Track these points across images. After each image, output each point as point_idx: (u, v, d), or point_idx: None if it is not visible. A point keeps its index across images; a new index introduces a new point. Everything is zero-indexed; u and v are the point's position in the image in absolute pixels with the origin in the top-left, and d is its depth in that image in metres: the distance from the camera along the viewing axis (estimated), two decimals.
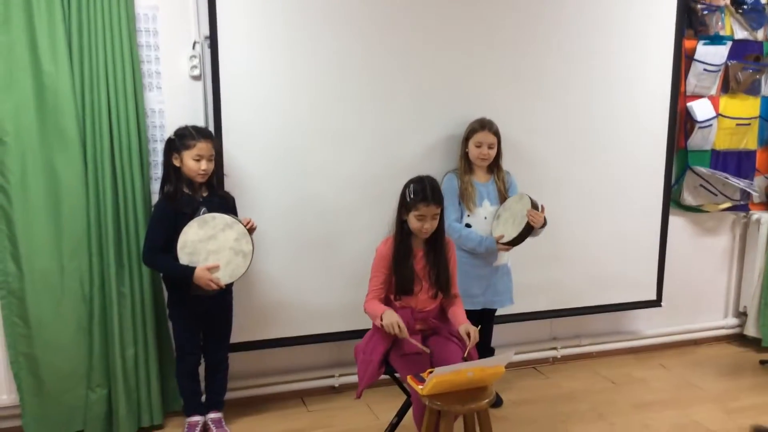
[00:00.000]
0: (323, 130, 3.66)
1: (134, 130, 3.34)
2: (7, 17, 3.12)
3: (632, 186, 4.33)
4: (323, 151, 3.67)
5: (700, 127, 4.43)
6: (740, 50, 4.51)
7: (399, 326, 2.90)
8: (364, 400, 3.54)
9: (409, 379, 2.83)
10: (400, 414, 3.30)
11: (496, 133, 3.64)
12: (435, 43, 3.78)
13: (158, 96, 3.49)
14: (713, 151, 4.55)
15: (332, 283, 3.77)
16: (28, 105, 3.17)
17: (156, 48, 3.45)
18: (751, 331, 4.89)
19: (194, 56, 3.51)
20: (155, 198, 3.42)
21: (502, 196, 3.68)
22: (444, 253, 3.13)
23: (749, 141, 4.64)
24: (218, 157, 3.34)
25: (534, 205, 3.49)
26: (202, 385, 3.56)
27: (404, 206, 3.05)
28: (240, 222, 3.22)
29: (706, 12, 4.39)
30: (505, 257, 3.74)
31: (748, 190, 4.65)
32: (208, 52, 3.47)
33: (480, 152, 3.62)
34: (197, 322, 3.39)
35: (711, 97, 4.48)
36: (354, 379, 3.67)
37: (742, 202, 4.74)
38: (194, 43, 3.50)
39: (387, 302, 3.12)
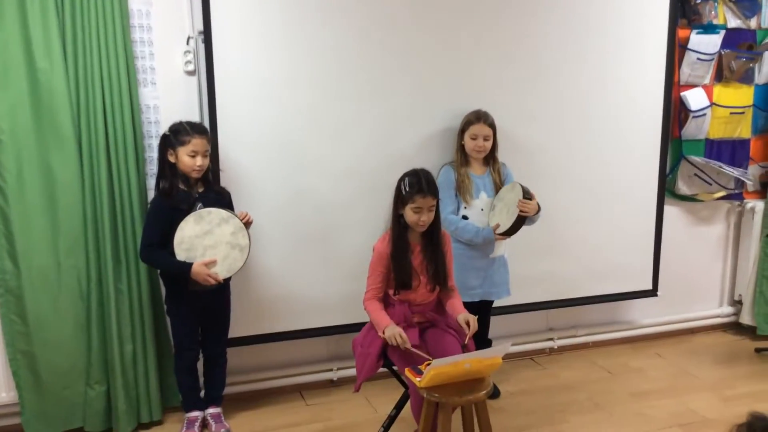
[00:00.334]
0: (319, 124, 3.66)
1: (129, 126, 3.34)
2: (1, 14, 3.10)
3: (627, 176, 4.34)
4: (319, 144, 3.67)
5: (694, 117, 4.44)
6: (733, 39, 4.52)
7: (401, 337, 2.90)
8: (362, 393, 3.55)
9: (407, 372, 2.84)
10: (399, 406, 3.31)
11: (492, 125, 3.64)
12: (431, 36, 3.78)
13: (153, 92, 3.48)
14: (707, 140, 4.56)
15: (330, 277, 3.78)
16: (23, 102, 3.16)
17: (150, 44, 3.44)
18: (746, 319, 4.90)
19: (188, 51, 3.50)
20: (151, 194, 3.41)
21: (498, 188, 3.69)
22: (441, 247, 3.14)
23: (743, 130, 4.65)
24: (214, 153, 3.34)
25: (526, 194, 3.49)
26: (201, 380, 3.57)
27: (400, 200, 3.05)
28: (236, 216, 3.23)
29: (699, 1, 4.39)
30: (502, 249, 3.75)
31: (743, 178, 4.67)
32: (202, 47, 3.46)
33: (476, 144, 3.63)
34: (195, 318, 3.40)
35: (705, 87, 4.49)
36: (352, 372, 3.68)
37: (736, 191, 4.76)
38: (188, 39, 3.50)
39: (386, 298, 3.13)
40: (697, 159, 4.54)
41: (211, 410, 3.54)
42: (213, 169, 3.38)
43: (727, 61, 4.51)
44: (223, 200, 3.36)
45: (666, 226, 4.54)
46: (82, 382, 3.43)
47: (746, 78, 4.59)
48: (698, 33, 4.38)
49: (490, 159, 3.72)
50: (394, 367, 3.13)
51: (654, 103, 4.34)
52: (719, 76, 4.54)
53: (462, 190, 3.64)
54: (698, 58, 4.40)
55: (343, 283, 3.76)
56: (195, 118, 3.47)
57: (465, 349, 3.04)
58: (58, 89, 3.19)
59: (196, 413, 3.50)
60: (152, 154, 3.49)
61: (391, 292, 3.12)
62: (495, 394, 3.86)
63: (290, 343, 3.88)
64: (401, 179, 3.08)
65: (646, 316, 4.80)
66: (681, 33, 4.37)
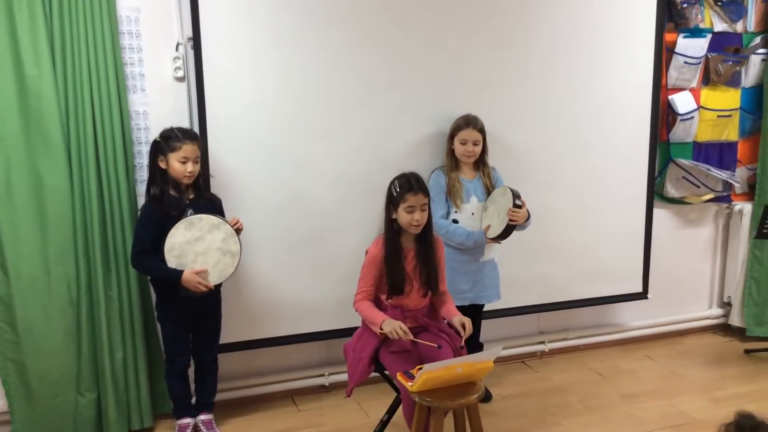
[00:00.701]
0: (309, 129, 3.66)
1: (119, 132, 3.33)
2: None
3: (616, 179, 4.36)
4: (310, 150, 3.67)
5: (682, 120, 4.47)
6: (720, 42, 4.55)
7: (402, 330, 2.90)
8: (354, 398, 3.55)
9: (399, 376, 2.84)
10: (391, 411, 3.31)
11: (481, 130, 3.65)
12: (420, 41, 3.79)
13: (142, 98, 3.48)
14: (695, 143, 4.59)
15: (321, 282, 3.78)
16: (11, 109, 3.15)
17: (139, 50, 3.44)
18: (735, 320, 4.93)
19: (177, 57, 3.50)
20: (141, 200, 3.41)
21: (489, 192, 3.70)
22: (434, 252, 3.15)
23: (730, 132, 4.69)
24: (204, 159, 3.34)
25: (516, 201, 3.49)
26: (192, 386, 3.56)
27: (392, 202, 3.06)
28: (227, 222, 3.22)
29: (685, 5, 4.42)
30: (492, 252, 3.76)
31: (731, 181, 4.70)
32: (191, 53, 3.46)
33: (465, 149, 3.64)
34: (186, 324, 3.39)
35: (692, 90, 4.52)
36: (344, 377, 3.68)
37: (724, 193, 4.79)
38: (177, 45, 3.49)
39: (377, 302, 3.13)
40: (685, 162, 4.56)
41: (202, 417, 3.53)
42: (204, 176, 3.37)
43: (714, 65, 4.54)
44: (214, 207, 3.35)
45: (655, 228, 4.56)
46: (73, 389, 3.42)
47: (733, 81, 4.63)
48: (685, 37, 4.42)
49: (480, 163, 3.73)
50: (386, 372, 3.13)
51: (642, 106, 4.37)
52: (706, 80, 4.57)
53: (452, 195, 3.65)
54: (685, 62, 4.44)
55: (334, 288, 3.76)
56: (185, 124, 3.46)
57: (458, 352, 3.04)
58: (46, 96, 3.18)
59: (187, 420, 3.49)
60: (142, 160, 3.49)
61: (383, 297, 3.12)
62: (487, 397, 3.87)
63: (282, 348, 3.87)
64: (391, 183, 3.09)
65: (636, 318, 4.82)
66: (668, 37, 4.40)
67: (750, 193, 4.86)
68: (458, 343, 3.06)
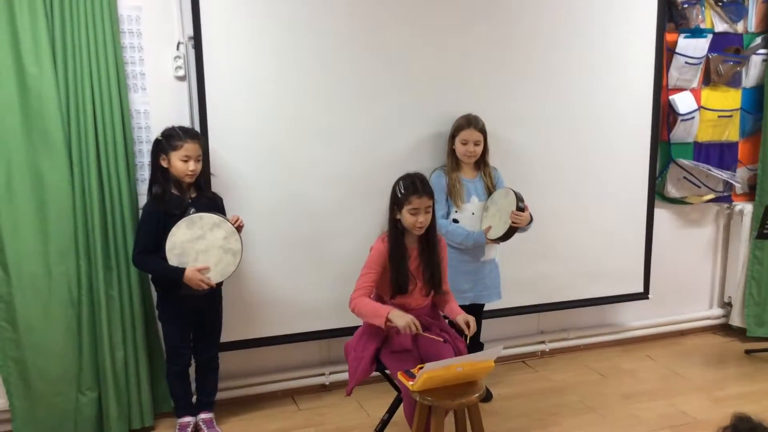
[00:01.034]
0: (310, 128, 3.67)
1: (119, 131, 3.33)
2: None
3: (617, 179, 4.36)
4: (310, 149, 3.68)
5: (683, 120, 4.47)
6: (721, 43, 4.55)
7: (415, 324, 2.88)
8: (354, 397, 3.55)
9: (400, 376, 2.84)
10: (391, 410, 3.31)
11: (482, 130, 3.65)
12: (420, 41, 3.79)
13: (143, 97, 3.48)
14: (696, 143, 4.59)
15: (321, 281, 3.78)
16: (12, 108, 3.15)
17: (140, 49, 3.44)
18: (736, 321, 4.93)
19: (178, 57, 3.50)
20: (142, 199, 3.41)
21: (490, 192, 3.70)
22: (437, 251, 3.15)
23: (731, 133, 4.69)
24: (204, 157, 3.34)
25: (519, 205, 3.50)
26: (193, 385, 3.56)
27: (396, 203, 3.06)
28: (228, 221, 3.23)
29: (686, 5, 4.42)
30: (493, 252, 3.76)
31: (731, 181, 4.70)
32: (192, 52, 3.46)
33: (466, 149, 3.64)
34: (187, 323, 3.39)
35: (693, 90, 4.53)
36: (344, 376, 3.68)
37: (725, 194, 4.79)
38: (178, 44, 3.50)
39: (379, 301, 3.13)
40: (686, 162, 4.57)
41: (203, 415, 3.53)
42: (205, 174, 3.37)
43: (715, 65, 4.54)
44: (216, 205, 3.36)
45: (656, 228, 4.56)
46: (74, 388, 3.42)
47: (734, 81, 4.63)
48: (686, 37, 4.42)
49: (481, 163, 3.73)
50: (387, 371, 3.13)
51: (643, 106, 4.37)
52: (707, 80, 4.57)
53: (453, 195, 3.65)
54: (686, 62, 4.44)
55: (334, 286, 3.75)
56: (185, 123, 3.46)
57: (459, 351, 3.05)
58: (47, 95, 3.18)
59: (188, 419, 3.49)
60: (143, 159, 3.49)
61: (386, 297, 3.12)
62: (487, 397, 3.87)
63: (282, 347, 3.87)
64: (396, 183, 3.09)
65: (636, 318, 4.82)
66: (669, 37, 4.41)
67: (750, 194, 4.86)
68: (460, 342, 3.07)
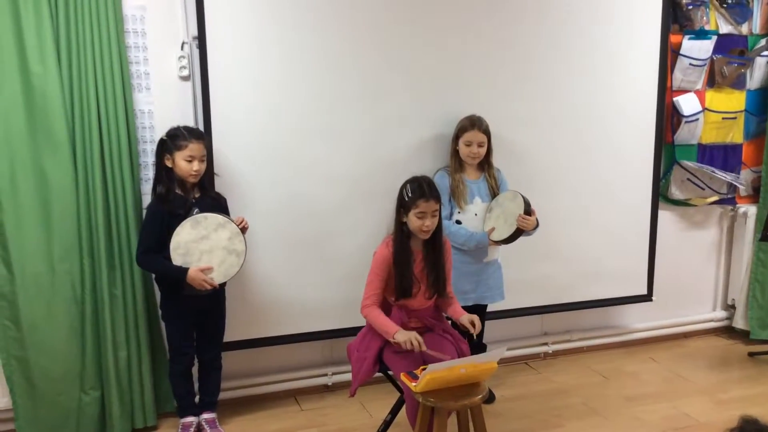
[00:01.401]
0: (313, 129, 3.67)
1: (123, 131, 3.34)
2: None
3: (620, 181, 4.36)
4: (313, 149, 3.68)
5: (687, 122, 4.46)
6: (725, 44, 4.54)
7: (417, 341, 2.89)
8: (357, 398, 3.54)
9: (403, 377, 2.84)
10: (394, 411, 3.31)
11: (486, 131, 3.65)
12: (424, 41, 3.79)
13: (147, 97, 3.48)
14: (700, 145, 4.58)
15: (324, 281, 3.78)
16: (17, 107, 3.15)
17: (144, 49, 3.44)
18: (739, 323, 4.93)
19: (183, 56, 3.50)
20: (145, 199, 3.41)
21: (494, 193, 3.70)
22: (442, 255, 3.15)
23: (735, 134, 4.68)
24: (208, 157, 3.34)
25: (527, 209, 3.50)
26: (196, 385, 3.56)
27: (403, 207, 3.06)
28: (232, 221, 3.23)
29: (691, 7, 4.42)
30: (496, 253, 3.76)
31: (735, 183, 4.69)
32: (196, 52, 3.46)
33: (470, 151, 3.63)
34: (190, 322, 3.39)
35: (697, 92, 4.52)
36: (347, 377, 3.68)
37: (729, 196, 4.78)
38: (182, 44, 3.50)
39: (384, 303, 3.12)
40: (690, 164, 4.56)
41: (205, 415, 3.53)
42: (209, 174, 3.37)
43: (719, 67, 4.53)
44: (220, 205, 3.36)
45: (659, 230, 4.56)
46: (77, 387, 3.42)
47: (738, 83, 4.62)
48: (690, 39, 4.41)
49: (485, 164, 3.73)
50: (390, 372, 3.13)
51: (647, 108, 4.37)
52: (711, 82, 4.57)
53: (456, 196, 3.64)
54: (690, 64, 4.43)
55: (337, 287, 3.76)
56: (189, 123, 3.47)
57: (462, 353, 3.05)
58: (52, 94, 3.18)
59: (190, 419, 3.49)
60: (147, 159, 3.49)
61: (391, 299, 3.12)
62: (490, 398, 3.86)
63: (285, 347, 3.87)
64: (403, 186, 3.09)
65: (639, 320, 4.81)
66: (673, 39, 4.40)
67: (755, 196, 4.85)
68: (463, 343, 3.09)
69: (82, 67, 3.23)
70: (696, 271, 4.95)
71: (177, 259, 3.15)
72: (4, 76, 3.13)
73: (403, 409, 3.08)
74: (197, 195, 3.30)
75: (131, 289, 3.43)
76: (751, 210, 4.81)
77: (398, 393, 3.25)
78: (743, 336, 4.89)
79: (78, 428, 3.44)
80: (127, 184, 3.37)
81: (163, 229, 3.17)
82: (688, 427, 3.63)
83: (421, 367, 2.80)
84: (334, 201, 3.75)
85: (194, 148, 3.18)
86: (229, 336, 3.58)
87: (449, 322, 3.31)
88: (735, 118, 4.64)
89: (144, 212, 3.36)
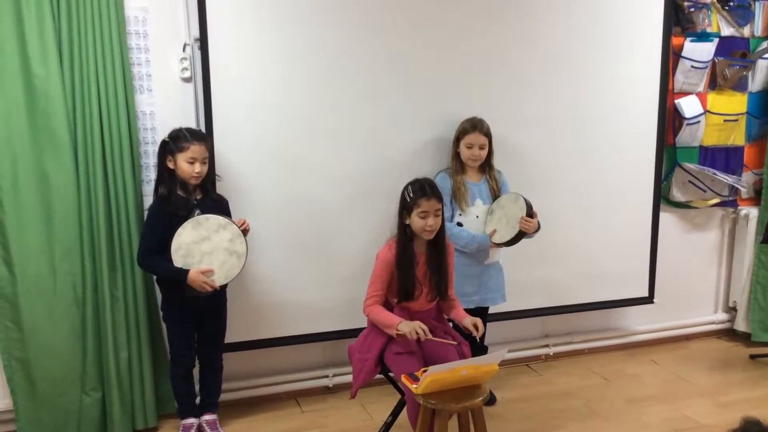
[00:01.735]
0: (315, 130, 3.67)
1: (125, 132, 3.34)
2: None
3: (622, 183, 4.35)
4: (315, 150, 3.68)
5: (689, 124, 4.46)
6: (727, 47, 4.54)
7: (422, 329, 2.90)
8: (358, 399, 3.54)
9: (404, 378, 2.84)
10: (395, 413, 3.30)
11: (487, 134, 3.64)
12: (426, 43, 3.79)
13: (149, 98, 3.48)
14: (701, 147, 4.58)
15: (325, 282, 3.78)
16: (19, 108, 3.16)
17: (146, 50, 3.44)
18: (741, 325, 4.92)
19: (185, 58, 3.50)
20: (147, 200, 3.41)
21: (495, 195, 3.70)
22: (445, 258, 3.15)
23: (737, 137, 4.68)
24: (211, 159, 3.34)
25: (529, 211, 3.50)
26: (197, 386, 3.56)
27: (405, 208, 3.06)
28: (234, 223, 3.22)
29: (692, 9, 4.42)
30: (497, 255, 3.76)
31: (737, 185, 4.69)
32: (198, 53, 3.47)
33: (471, 153, 3.63)
34: (191, 324, 3.39)
35: (699, 94, 4.51)
36: (348, 378, 3.67)
37: (730, 198, 4.78)
38: (184, 45, 3.50)
39: (386, 304, 3.13)
40: (692, 166, 4.56)
41: (206, 417, 3.53)
42: (211, 176, 3.37)
43: (721, 69, 4.53)
44: (221, 207, 3.35)
45: (661, 232, 4.55)
46: (77, 388, 3.42)
47: (740, 86, 4.62)
48: (692, 41, 4.41)
49: (486, 166, 3.72)
50: (391, 374, 3.13)
51: (648, 110, 4.36)
52: (713, 84, 4.56)
53: (458, 198, 3.64)
54: (692, 66, 4.43)
55: (338, 288, 3.76)
56: (191, 124, 3.47)
57: (464, 355, 3.05)
58: (54, 95, 3.18)
59: (191, 420, 3.49)
60: (148, 160, 3.50)
61: (393, 301, 3.12)
62: (491, 400, 3.86)
63: (286, 349, 3.87)
64: (405, 188, 3.09)
65: (641, 322, 4.81)
66: (675, 41, 4.40)
67: (756, 198, 4.85)
68: (465, 345, 3.09)
69: (84, 68, 3.24)
70: (697, 274, 4.94)
71: (178, 260, 3.15)
72: (7, 77, 3.14)
73: (404, 410, 3.08)
74: (199, 196, 3.30)
75: (132, 290, 3.43)
76: (753, 212, 4.81)
77: (399, 395, 3.25)
78: (744, 338, 4.89)
79: (79, 429, 3.44)
80: (129, 186, 3.37)
81: (165, 230, 3.17)
82: (689, 429, 3.63)
83: (422, 369, 2.80)
84: (336, 202, 3.75)
85: (196, 149, 3.18)
86: (230, 337, 3.58)
87: (450, 324, 3.31)
88: (736, 120, 4.64)
89: (145, 213, 3.36)
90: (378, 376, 3.15)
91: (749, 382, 4.24)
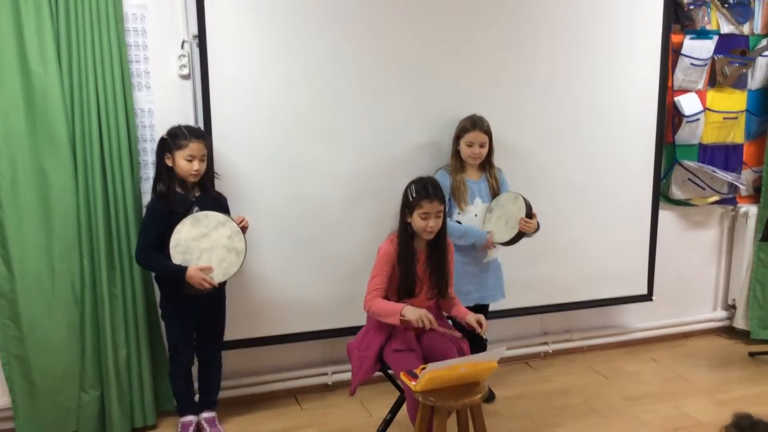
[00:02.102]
0: (313, 128, 3.66)
1: (124, 130, 3.33)
2: None
3: (621, 181, 4.35)
4: (314, 148, 3.68)
5: (688, 122, 4.46)
6: (726, 44, 4.54)
7: (428, 318, 2.91)
8: (357, 397, 3.55)
9: (402, 376, 2.84)
10: (394, 410, 3.31)
11: (487, 132, 3.63)
12: (424, 41, 3.79)
13: (147, 96, 3.48)
14: (701, 145, 4.58)
15: (324, 280, 3.78)
16: (17, 106, 3.15)
17: (145, 47, 3.44)
18: (740, 323, 4.92)
19: (183, 55, 3.50)
20: (145, 198, 3.41)
21: (494, 194, 3.69)
22: (445, 257, 3.15)
23: (736, 135, 4.67)
24: (209, 157, 3.34)
25: (528, 212, 3.49)
26: (196, 384, 3.56)
27: (407, 207, 3.06)
28: (233, 220, 3.22)
29: (692, 6, 4.41)
30: (495, 253, 3.76)
31: (736, 183, 4.68)
32: (197, 51, 3.46)
33: (471, 151, 3.61)
34: (190, 321, 3.39)
35: (698, 92, 4.51)
36: (347, 376, 3.67)
37: (729, 196, 4.77)
38: (183, 43, 3.50)
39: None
40: (691, 164, 4.55)
41: (205, 414, 3.53)
42: (209, 174, 3.37)
43: (720, 67, 4.53)
44: (220, 205, 3.35)
45: (660, 230, 4.55)
46: (76, 386, 3.42)
47: (739, 83, 4.61)
48: (692, 38, 4.41)
49: (486, 164, 3.71)
50: (390, 371, 3.13)
51: (648, 107, 4.36)
52: (712, 82, 4.56)
53: (457, 196, 3.63)
54: (692, 64, 4.42)
55: (338, 286, 3.76)
56: (189, 122, 3.47)
57: (462, 352, 3.05)
58: (52, 93, 3.18)
59: (190, 418, 3.49)
60: (147, 158, 3.49)
61: (393, 298, 3.11)
62: (490, 397, 3.86)
63: (285, 346, 3.87)
64: (408, 186, 3.09)
65: (640, 320, 4.81)
66: (674, 38, 4.39)
67: (755, 196, 4.85)
68: (464, 343, 3.09)
69: (82, 66, 3.23)
70: (696, 271, 4.94)
71: (177, 257, 3.15)
72: (5, 75, 3.13)
73: (403, 408, 3.08)
74: (198, 194, 3.29)
75: (131, 288, 3.43)
76: (752, 210, 4.81)
77: (398, 392, 3.25)
78: (744, 336, 4.89)
79: (78, 427, 3.45)
80: (127, 183, 3.37)
81: (163, 228, 3.16)
82: (688, 427, 3.63)
83: (421, 366, 2.80)
84: (335, 200, 3.74)
85: (195, 147, 3.17)
86: (230, 334, 3.58)
87: (449, 321, 3.31)
88: (736, 118, 4.64)
89: (144, 211, 3.36)
90: (377, 373, 3.15)
91: (748, 380, 4.24)
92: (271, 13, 3.51)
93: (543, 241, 4.02)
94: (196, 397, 3.57)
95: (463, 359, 2.83)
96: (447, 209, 3.59)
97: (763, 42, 4.62)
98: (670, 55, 4.38)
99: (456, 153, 3.69)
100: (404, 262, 3.06)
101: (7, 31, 3.11)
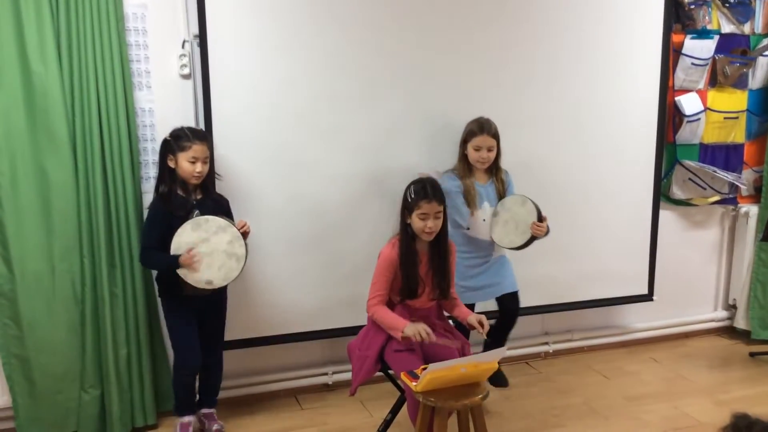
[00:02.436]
0: (314, 129, 3.66)
1: (124, 129, 3.33)
2: None
3: (622, 180, 4.35)
4: (315, 149, 3.67)
5: (689, 121, 4.45)
6: (727, 44, 4.54)
7: (426, 331, 2.90)
8: (357, 397, 3.55)
9: (403, 376, 2.84)
10: (394, 411, 3.31)
11: (495, 135, 3.56)
12: (425, 41, 3.78)
13: (148, 95, 3.47)
14: (701, 144, 4.57)
15: (325, 281, 3.77)
16: (17, 105, 3.15)
17: (145, 47, 3.44)
18: (740, 323, 4.92)
19: (184, 55, 3.50)
20: (146, 198, 3.40)
21: (501, 197, 3.63)
22: (447, 258, 3.15)
23: (737, 134, 4.67)
24: (210, 158, 3.33)
25: (539, 216, 3.47)
26: (196, 384, 3.56)
27: (406, 208, 3.05)
28: (234, 225, 3.20)
29: (693, 6, 4.41)
30: (503, 249, 3.73)
31: (737, 183, 4.68)
32: (197, 50, 3.46)
33: (479, 156, 3.55)
34: (192, 322, 3.37)
35: (699, 91, 4.51)
36: (347, 376, 3.67)
37: (730, 196, 4.77)
38: (183, 42, 3.49)
39: (388, 303, 3.12)
40: (692, 163, 4.55)
41: (205, 410, 3.53)
42: (211, 176, 3.36)
43: (721, 66, 4.52)
44: (222, 207, 3.34)
45: (661, 230, 4.55)
46: (77, 386, 3.42)
47: (740, 83, 4.61)
48: (692, 38, 4.40)
49: (494, 168, 3.65)
50: (391, 371, 3.13)
51: (649, 107, 4.36)
52: (713, 81, 4.56)
53: (467, 200, 3.58)
54: (692, 63, 4.42)
55: (339, 286, 3.76)
56: (190, 121, 3.47)
57: (463, 352, 3.05)
58: (52, 92, 3.18)
59: (189, 418, 3.48)
60: (147, 157, 3.49)
61: (396, 299, 3.12)
62: (503, 383, 3.82)
63: (285, 346, 3.87)
64: (407, 188, 3.08)
65: (641, 320, 4.80)
66: (675, 38, 4.39)
67: (756, 196, 4.85)
68: (465, 343, 3.10)
69: (82, 65, 3.23)
70: (697, 271, 4.94)
71: None
72: (5, 74, 3.13)
73: (404, 408, 3.08)
74: (199, 196, 3.28)
75: (131, 287, 3.43)
76: (753, 210, 4.81)
77: (399, 392, 3.25)
78: (744, 336, 4.89)
79: (78, 426, 3.45)
80: (128, 183, 3.36)
81: (164, 229, 3.16)
82: (688, 427, 3.63)
83: (422, 367, 2.80)
84: (336, 200, 3.74)
85: (197, 149, 3.16)
86: (230, 335, 3.58)
87: (451, 321, 3.31)
88: (737, 117, 4.63)
89: (145, 211, 3.35)
90: (378, 373, 3.14)
91: (749, 380, 4.24)
92: (272, 12, 3.51)
93: (543, 240, 3.99)
94: (197, 398, 3.56)
95: (463, 360, 2.83)
96: (458, 215, 3.58)
97: (764, 41, 4.61)
98: (670, 55, 4.37)
99: (463, 157, 3.63)
100: (406, 264, 3.06)
101: (8, 30, 3.11)
